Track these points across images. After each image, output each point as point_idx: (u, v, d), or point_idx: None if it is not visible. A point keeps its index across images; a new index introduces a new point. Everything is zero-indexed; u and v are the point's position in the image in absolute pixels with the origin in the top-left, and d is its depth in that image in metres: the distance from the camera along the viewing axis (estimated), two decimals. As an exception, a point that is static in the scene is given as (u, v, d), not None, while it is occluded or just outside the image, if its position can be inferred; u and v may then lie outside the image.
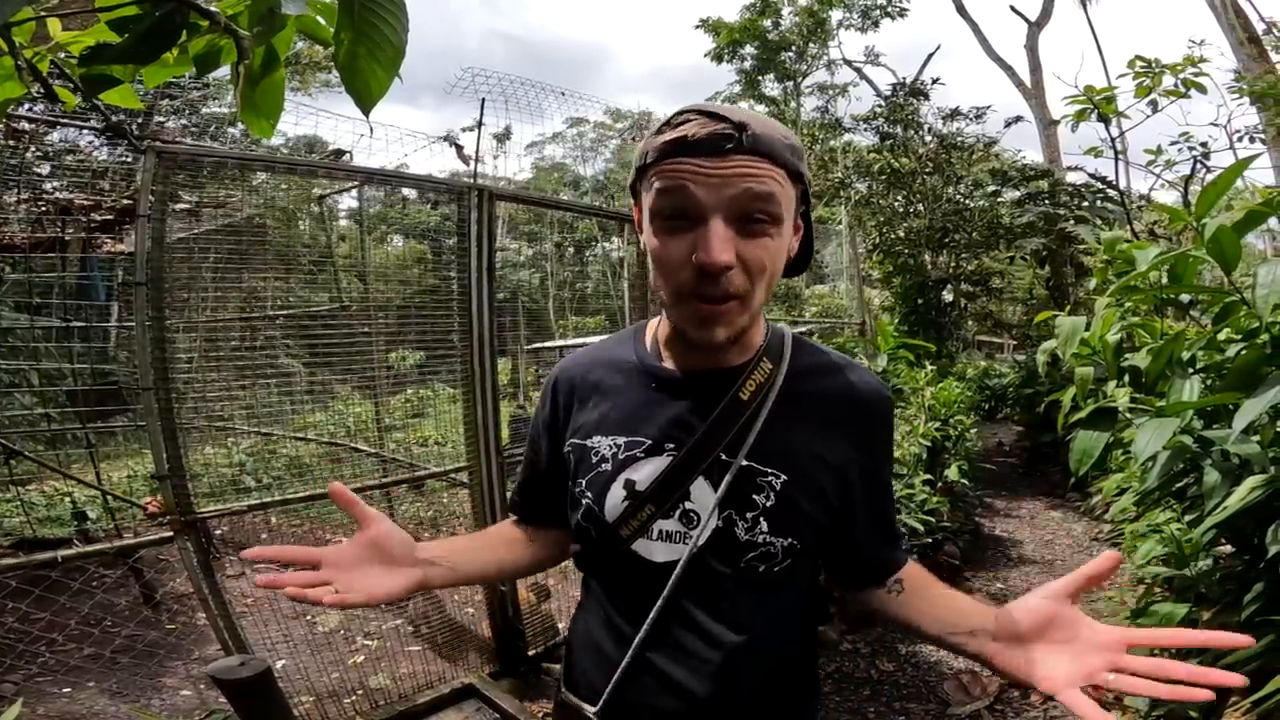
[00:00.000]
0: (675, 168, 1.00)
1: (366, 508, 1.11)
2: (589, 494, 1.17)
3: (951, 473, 6.03)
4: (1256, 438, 1.83)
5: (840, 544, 1.22)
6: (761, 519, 1.10)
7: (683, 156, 0.99)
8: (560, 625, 4.36)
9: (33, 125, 4.80)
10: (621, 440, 1.16)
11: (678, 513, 1.12)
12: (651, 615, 1.12)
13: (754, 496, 1.10)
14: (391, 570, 1.10)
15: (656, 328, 1.25)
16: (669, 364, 1.19)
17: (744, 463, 1.11)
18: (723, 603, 1.13)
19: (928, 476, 5.48)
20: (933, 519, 5.28)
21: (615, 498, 1.14)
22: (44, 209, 4.96)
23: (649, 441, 1.14)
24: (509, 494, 1.45)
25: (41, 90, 1.14)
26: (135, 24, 1.04)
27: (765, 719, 1.18)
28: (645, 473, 1.13)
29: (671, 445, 1.13)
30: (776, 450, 1.12)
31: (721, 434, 1.11)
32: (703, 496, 1.11)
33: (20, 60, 1.06)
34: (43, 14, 1.09)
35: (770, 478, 1.11)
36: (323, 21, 1.17)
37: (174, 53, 1.12)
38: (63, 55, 1.14)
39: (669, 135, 1.00)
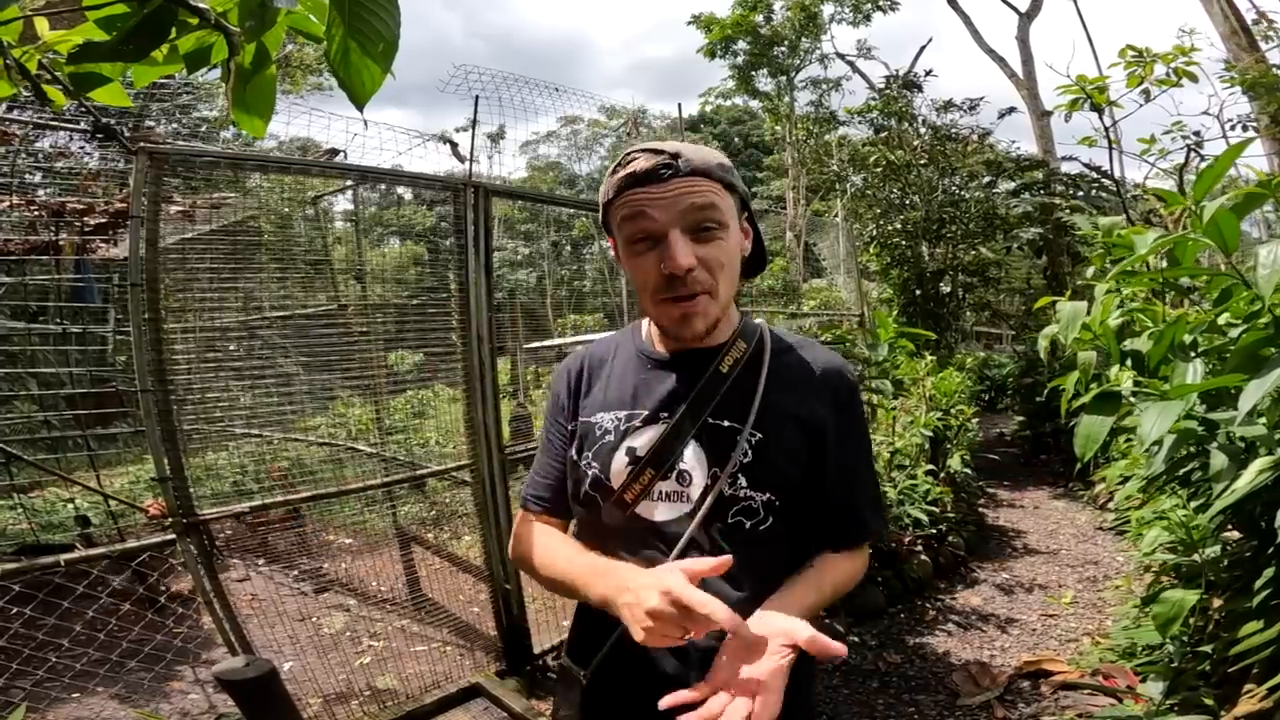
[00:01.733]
0: (631, 198, 1.22)
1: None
2: (595, 464, 1.33)
3: (954, 463, 6.04)
4: (1262, 419, 1.83)
5: (813, 502, 1.32)
6: (740, 474, 1.25)
7: (635, 188, 1.22)
8: (564, 623, 4.36)
9: (24, 129, 4.78)
10: (622, 414, 1.34)
11: (674, 474, 1.28)
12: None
13: (734, 454, 1.25)
14: None
15: (650, 324, 1.43)
16: (661, 348, 1.39)
17: (725, 424, 1.28)
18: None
19: (930, 467, 5.49)
20: (936, 509, 5.29)
21: (619, 463, 1.30)
22: (36, 213, 4.94)
23: (646, 412, 1.32)
24: (525, 490, 1.51)
25: (30, 90, 1.13)
26: (123, 22, 1.03)
27: None
28: (644, 440, 1.30)
29: (665, 414, 1.31)
30: (753, 411, 1.28)
31: (707, 401, 1.29)
32: (694, 457, 1.28)
33: (9, 59, 1.05)
34: (30, 13, 1.08)
35: (749, 436, 1.26)
36: (314, 19, 1.16)
37: (164, 50, 1.11)
38: (51, 55, 1.13)
39: (622, 174, 1.23)
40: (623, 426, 1.33)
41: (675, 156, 1.20)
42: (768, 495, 1.25)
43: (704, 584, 1.20)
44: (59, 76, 1.16)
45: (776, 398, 1.30)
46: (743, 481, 1.24)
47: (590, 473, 1.33)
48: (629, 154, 1.25)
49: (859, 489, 1.35)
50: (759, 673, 1.07)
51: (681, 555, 1.23)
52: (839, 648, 1.06)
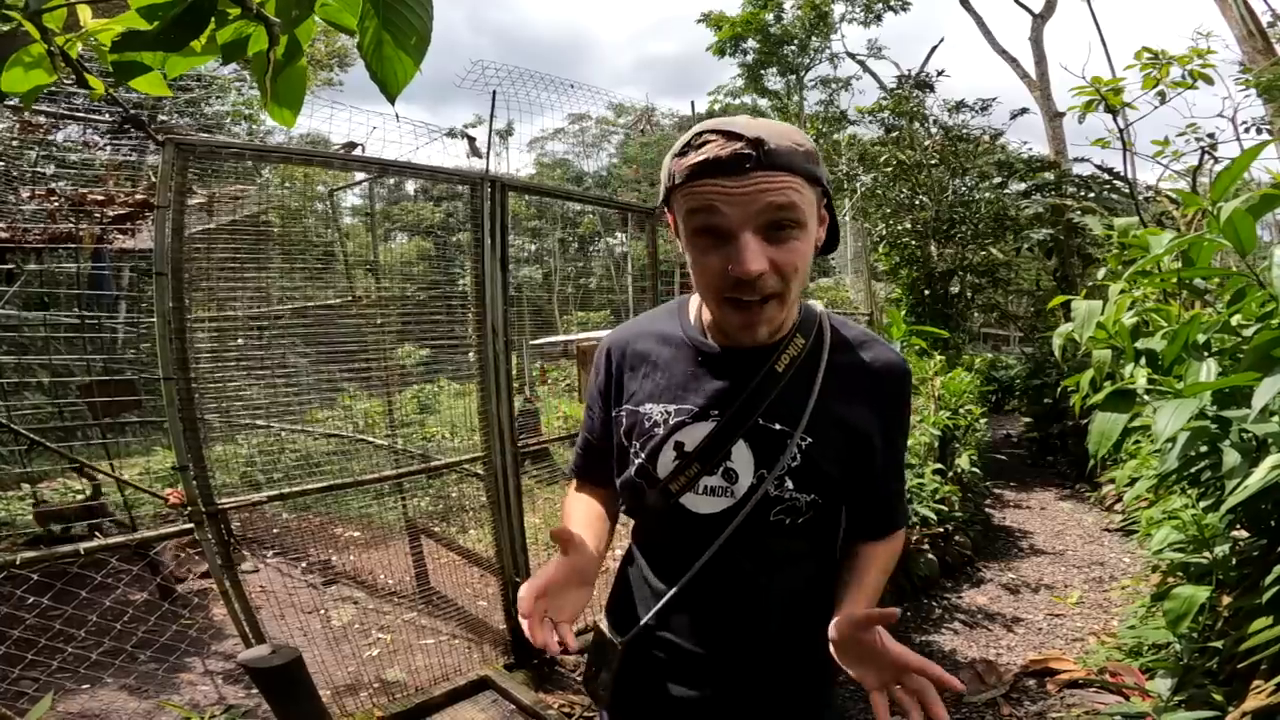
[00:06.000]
0: (701, 189, 1.10)
1: (577, 538, 1.24)
2: (643, 454, 1.30)
3: (962, 462, 6.04)
4: (1275, 417, 1.84)
5: (854, 499, 1.34)
6: (787, 477, 1.23)
7: (707, 178, 1.09)
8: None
9: (47, 120, 4.81)
10: (671, 408, 1.30)
11: (720, 470, 1.26)
12: (699, 562, 1.26)
13: (783, 457, 1.23)
14: (583, 587, 1.24)
15: (699, 307, 1.36)
16: (712, 340, 1.32)
17: (776, 426, 1.24)
18: (758, 550, 1.28)
19: (938, 466, 5.49)
20: (944, 508, 5.29)
21: (666, 457, 1.28)
22: (57, 204, 4.97)
23: (695, 409, 1.28)
24: (572, 463, 1.57)
25: (73, 77, 1.15)
26: (165, 11, 1.04)
27: (787, 652, 1.32)
28: (693, 436, 1.27)
29: (716, 412, 1.26)
30: (805, 416, 1.24)
31: (758, 402, 1.24)
32: (742, 456, 1.25)
33: (53, 46, 1.07)
34: (73, 1, 1.10)
35: (799, 440, 1.23)
36: (346, 13, 1.18)
37: (201, 41, 1.12)
38: (92, 42, 1.15)
39: (693, 159, 1.10)
40: (671, 420, 1.29)
41: (757, 145, 1.07)
42: (812, 496, 1.24)
43: (741, 570, 1.28)
44: (87, 66, 1.18)
45: (831, 401, 1.26)
46: (789, 484, 1.23)
47: (637, 461, 1.31)
48: (702, 134, 1.11)
49: (894, 486, 1.37)
50: (892, 650, 1.08)
51: (722, 549, 1.25)
52: (893, 610, 1.08)
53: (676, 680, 1.34)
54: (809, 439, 1.23)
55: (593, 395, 1.48)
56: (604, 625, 1.40)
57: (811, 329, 1.29)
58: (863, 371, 1.28)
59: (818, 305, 1.35)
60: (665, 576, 1.33)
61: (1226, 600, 2.51)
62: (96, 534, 4.33)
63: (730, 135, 1.08)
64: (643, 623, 1.34)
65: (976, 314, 12.41)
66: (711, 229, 1.11)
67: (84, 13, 1.12)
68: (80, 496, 5.44)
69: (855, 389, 1.28)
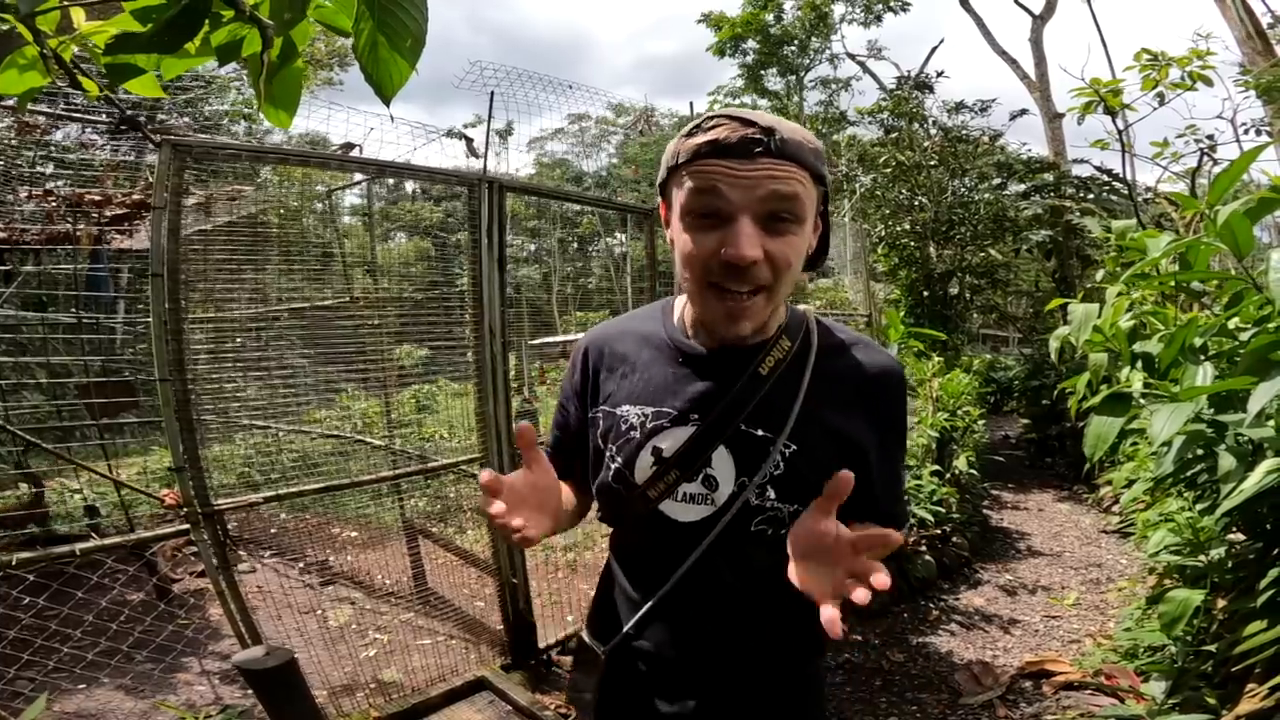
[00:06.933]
0: (708, 169, 1.08)
1: (540, 453, 1.16)
2: (619, 458, 1.26)
3: (960, 464, 6.04)
4: (1271, 422, 1.84)
5: (848, 513, 1.23)
6: (769, 487, 1.18)
7: (715, 158, 1.07)
8: (569, 618, 4.38)
9: (45, 120, 4.81)
10: (649, 410, 1.25)
11: (700, 477, 1.21)
12: (679, 572, 1.22)
13: (765, 465, 1.18)
14: (541, 513, 1.15)
15: (683, 307, 1.32)
16: (694, 341, 1.27)
17: (759, 433, 1.19)
18: (739, 560, 1.23)
19: (936, 467, 5.49)
20: (942, 509, 5.29)
21: (644, 463, 1.23)
22: (54, 204, 4.98)
23: (675, 413, 1.23)
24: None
25: (66, 79, 1.15)
26: (159, 13, 1.04)
27: (768, 663, 1.28)
28: (671, 441, 1.22)
29: (696, 416, 1.22)
30: (790, 421, 1.19)
31: (741, 407, 1.19)
32: (722, 463, 1.20)
33: (45, 49, 1.07)
34: (66, 4, 1.10)
35: (782, 447, 1.18)
36: (342, 15, 1.18)
37: (196, 43, 1.12)
38: (87, 45, 1.14)
39: (702, 138, 1.08)
40: (649, 424, 1.24)
41: (769, 132, 1.06)
42: (795, 507, 1.17)
43: (722, 581, 1.23)
44: (83, 68, 1.18)
45: (817, 407, 1.20)
46: (771, 494, 1.17)
47: (614, 466, 1.26)
48: (712, 118, 1.10)
49: (891, 493, 1.30)
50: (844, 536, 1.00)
51: (702, 558, 1.21)
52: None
53: (659, 691, 1.31)
54: (793, 446, 1.18)
55: (567, 394, 1.43)
56: (586, 636, 1.38)
57: (798, 332, 1.24)
58: (853, 375, 1.23)
59: (805, 308, 1.31)
60: (644, 585, 1.30)
61: (1221, 603, 2.51)
62: (92, 535, 4.33)
63: (743, 121, 1.07)
64: (623, 632, 1.31)
65: (975, 315, 12.42)
66: (710, 210, 1.08)
67: (77, 15, 1.12)
68: (78, 497, 5.44)
69: (845, 393, 1.22)
